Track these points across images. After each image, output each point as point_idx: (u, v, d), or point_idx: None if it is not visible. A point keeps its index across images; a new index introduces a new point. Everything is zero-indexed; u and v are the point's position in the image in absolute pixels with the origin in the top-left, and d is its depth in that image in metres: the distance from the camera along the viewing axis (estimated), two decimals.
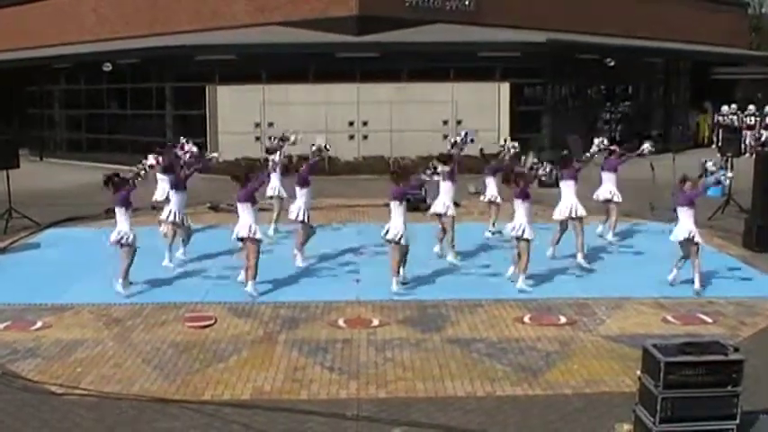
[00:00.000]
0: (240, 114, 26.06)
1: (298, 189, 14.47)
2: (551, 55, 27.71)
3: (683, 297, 12.09)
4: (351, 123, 26.31)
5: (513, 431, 7.88)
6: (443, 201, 14.32)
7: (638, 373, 7.28)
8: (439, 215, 14.34)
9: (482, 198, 16.29)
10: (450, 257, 14.16)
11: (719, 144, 28.45)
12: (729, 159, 19.61)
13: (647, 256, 13.29)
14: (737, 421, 6.97)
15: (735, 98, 33.97)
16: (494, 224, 16.01)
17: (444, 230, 14.39)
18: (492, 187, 15.91)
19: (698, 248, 12.38)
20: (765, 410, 7.40)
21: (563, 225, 14.34)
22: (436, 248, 14.53)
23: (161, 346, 10.19)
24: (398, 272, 12.54)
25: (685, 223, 12.39)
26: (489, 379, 9.13)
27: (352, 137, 26.11)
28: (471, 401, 8.58)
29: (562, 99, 30.30)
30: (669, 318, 11.19)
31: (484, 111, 26.15)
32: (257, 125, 25.89)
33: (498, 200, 15.84)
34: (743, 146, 27.42)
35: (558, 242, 14.42)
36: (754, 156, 18.30)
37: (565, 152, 15.08)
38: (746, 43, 46.19)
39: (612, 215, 15.87)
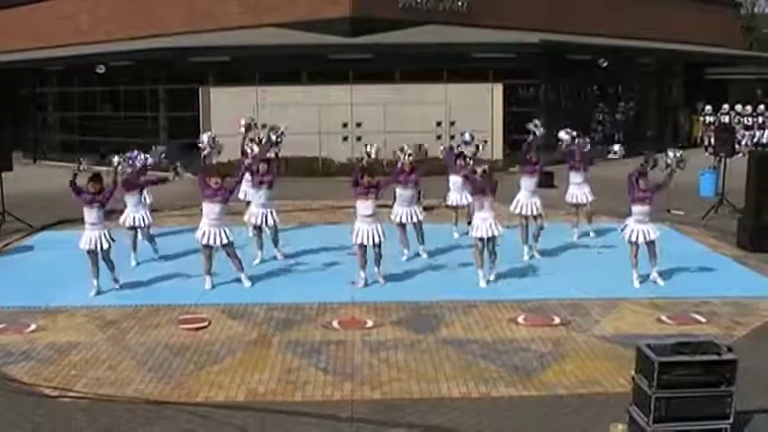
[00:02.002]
0: (234, 116, 25.93)
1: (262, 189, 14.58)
2: (544, 56, 27.76)
3: (678, 297, 12.11)
4: (344, 125, 26.33)
5: None
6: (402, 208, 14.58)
7: (632, 373, 7.29)
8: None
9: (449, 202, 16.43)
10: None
11: (710, 144, 28.53)
12: (723, 159, 19.63)
13: (642, 257, 13.27)
14: (731, 421, 6.99)
15: (728, 98, 34.05)
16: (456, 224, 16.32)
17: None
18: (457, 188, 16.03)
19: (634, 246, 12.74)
20: (759, 410, 7.43)
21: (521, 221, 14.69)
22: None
23: (155, 349, 10.17)
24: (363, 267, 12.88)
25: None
26: (484, 380, 9.13)
27: (345, 138, 26.12)
28: (466, 402, 8.58)
29: (555, 100, 30.35)
30: (663, 318, 11.19)
31: (477, 112, 26.18)
32: None
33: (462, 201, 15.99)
34: (738, 146, 27.44)
35: (526, 240, 14.64)
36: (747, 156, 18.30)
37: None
38: (739, 43, 46.31)
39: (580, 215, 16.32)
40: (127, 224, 14.36)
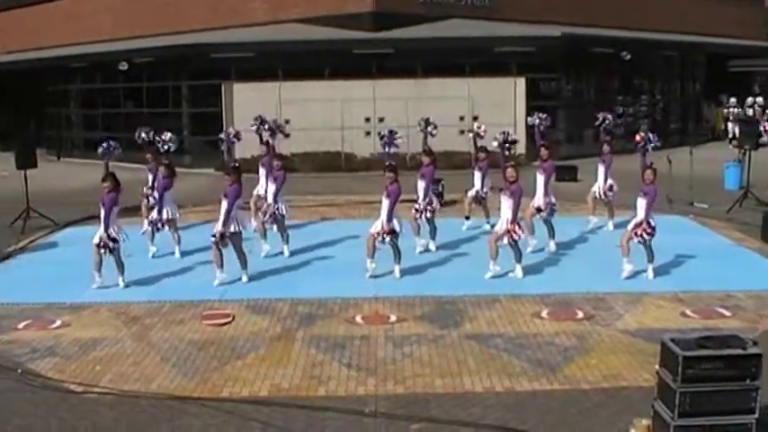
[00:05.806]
0: (256, 112, 25.98)
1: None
2: (567, 49, 27.65)
3: (702, 291, 12.03)
4: (367, 120, 26.34)
5: (531, 426, 7.85)
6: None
7: (657, 367, 7.25)
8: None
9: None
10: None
11: (734, 136, 28.34)
12: (747, 152, 19.48)
13: (666, 250, 13.21)
14: (756, 415, 6.93)
15: (752, 90, 33.78)
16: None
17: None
18: (477, 182, 16.22)
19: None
20: None
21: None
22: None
23: (179, 344, 10.23)
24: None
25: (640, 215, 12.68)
26: (507, 374, 9.12)
27: (368, 133, 26.08)
28: (490, 397, 8.57)
29: (578, 93, 30.24)
30: (688, 312, 11.13)
31: (500, 106, 26.10)
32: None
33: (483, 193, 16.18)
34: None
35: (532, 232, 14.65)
36: None
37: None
38: (762, 35, 45.87)
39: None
40: (154, 217, 14.58)
